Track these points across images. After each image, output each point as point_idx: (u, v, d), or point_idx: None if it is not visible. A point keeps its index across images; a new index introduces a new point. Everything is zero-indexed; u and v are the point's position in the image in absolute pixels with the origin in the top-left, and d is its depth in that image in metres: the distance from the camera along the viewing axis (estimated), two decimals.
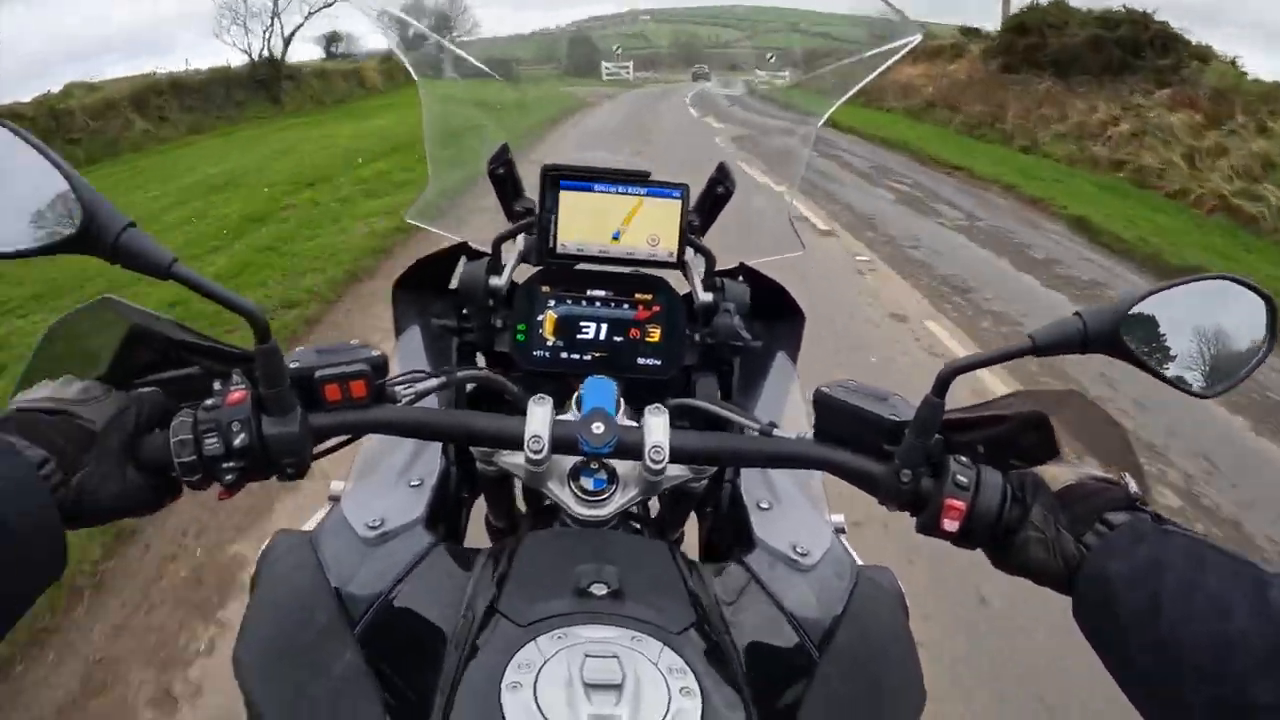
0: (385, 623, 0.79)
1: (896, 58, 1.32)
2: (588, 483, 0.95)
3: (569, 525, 0.97)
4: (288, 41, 26.96)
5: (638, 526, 1.08)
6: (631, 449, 0.84)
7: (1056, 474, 0.78)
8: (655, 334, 1.22)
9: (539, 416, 0.83)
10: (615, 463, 0.95)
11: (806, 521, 1.03)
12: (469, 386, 1.17)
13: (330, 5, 28.19)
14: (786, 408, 1.25)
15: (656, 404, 0.87)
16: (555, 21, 1.68)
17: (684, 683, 0.61)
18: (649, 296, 1.22)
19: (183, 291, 0.75)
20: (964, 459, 0.79)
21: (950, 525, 0.77)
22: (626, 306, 1.21)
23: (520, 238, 1.28)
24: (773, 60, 1.71)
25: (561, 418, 0.87)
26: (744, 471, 1.12)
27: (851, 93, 1.40)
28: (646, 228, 1.16)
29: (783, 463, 0.97)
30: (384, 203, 8.95)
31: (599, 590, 0.71)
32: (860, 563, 0.97)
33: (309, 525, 1.00)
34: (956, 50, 21.52)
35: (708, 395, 1.24)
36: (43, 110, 16.37)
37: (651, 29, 1.74)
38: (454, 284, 1.29)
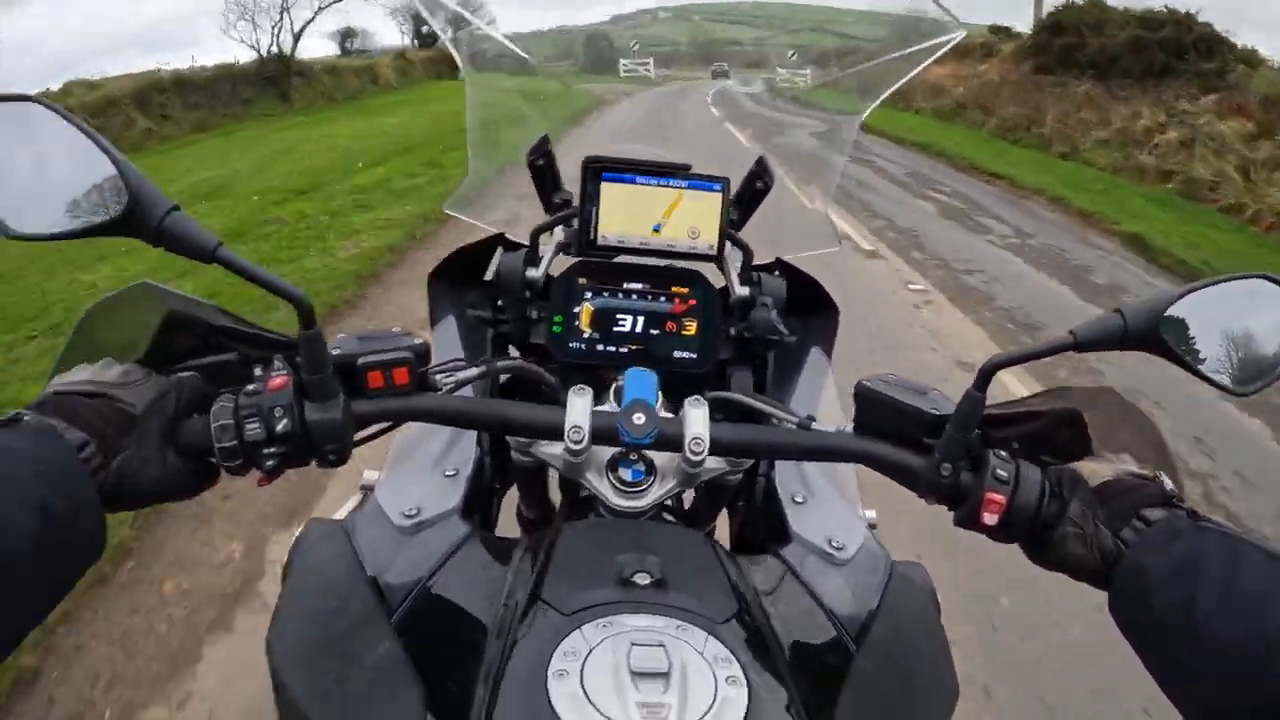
0: (422, 611, 0.78)
1: (937, 55, 1.30)
2: (626, 474, 0.94)
3: (604, 516, 0.97)
4: (297, 37, 26.39)
5: (671, 519, 1.09)
6: (671, 441, 0.84)
7: (1094, 470, 0.77)
8: (691, 327, 1.23)
9: (579, 407, 0.83)
10: (653, 454, 0.95)
11: (840, 516, 1.02)
12: (502, 377, 1.13)
13: (340, 0, 27.64)
14: (821, 402, 1.23)
15: (696, 396, 0.86)
16: (591, 18, 1.68)
17: (729, 671, 0.60)
18: (685, 290, 1.22)
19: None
20: (1003, 454, 0.79)
21: (990, 519, 0.76)
22: (663, 299, 1.22)
23: (558, 230, 1.28)
24: (794, 58, 1.67)
25: (599, 409, 0.86)
26: (778, 465, 1.11)
27: (888, 93, 1.38)
28: (687, 220, 1.17)
29: (822, 456, 0.91)
30: (375, 217, 8.36)
31: (642, 580, 0.70)
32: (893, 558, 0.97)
33: (340, 514, 1.02)
34: (986, 50, 20.68)
35: (743, 389, 1.22)
36: None
37: (671, 27, 1.74)
38: (489, 275, 1.31)
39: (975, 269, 7.22)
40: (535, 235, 1.26)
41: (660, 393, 0.97)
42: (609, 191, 1.17)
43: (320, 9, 27.21)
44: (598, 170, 1.16)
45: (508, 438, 1.05)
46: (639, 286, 1.23)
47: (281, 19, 25.72)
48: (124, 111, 17.24)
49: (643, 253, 1.20)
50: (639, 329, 1.22)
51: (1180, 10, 15.84)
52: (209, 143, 16.74)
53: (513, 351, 1.31)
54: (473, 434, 1.13)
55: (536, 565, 0.76)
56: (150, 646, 2.60)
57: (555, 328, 1.22)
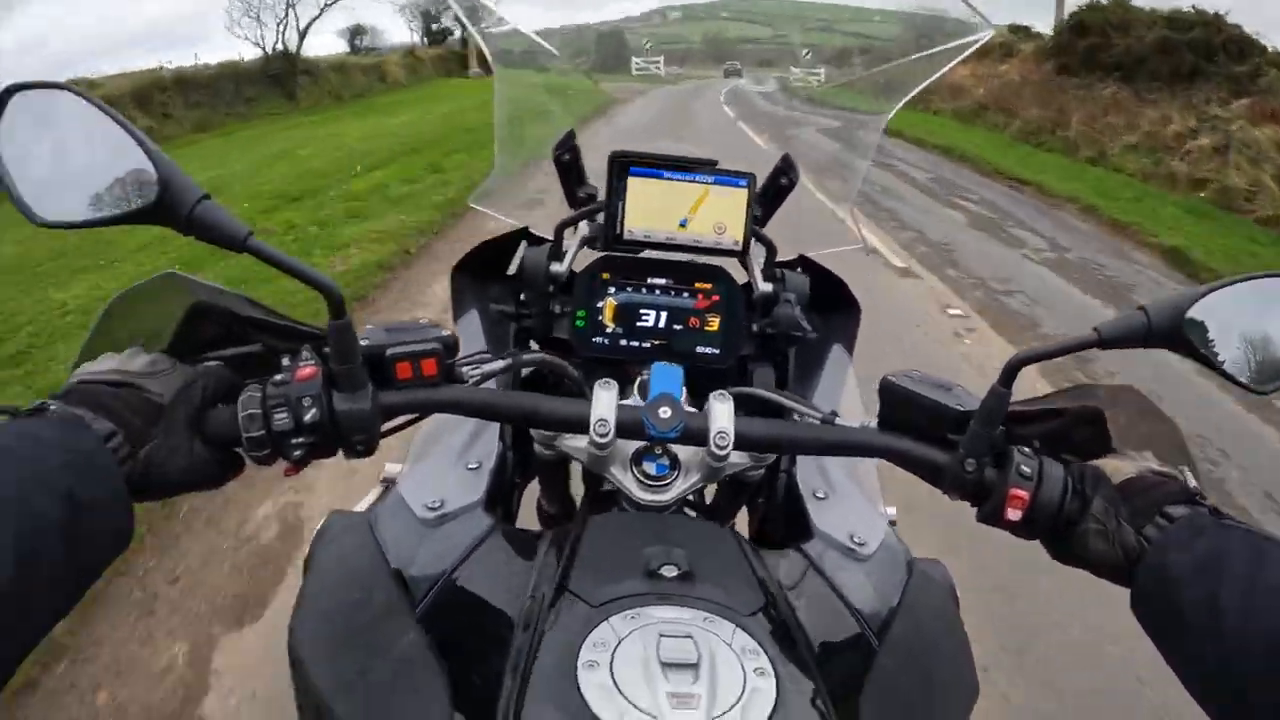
0: (446, 604, 0.79)
1: (964, 56, 1.28)
2: (650, 468, 0.95)
3: (627, 510, 0.97)
4: (303, 34, 26.03)
5: (692, 514, 1.08)
6: (696, 435, 0.83)
7: (1117, 467, 0.78)
8: (714, 323, 1.22)
9: (605, 401, 0.83)
10: (677, 449, 0.95)
11: (861, 512, 1.02)
12: (524, 372, 1.14)
13: None
14: (843, 399, 1.23)
15: (721, 390, 0.86)
16: (604, 15, 1.67)
17: (757, 663, 0.61)
18: (709, 285, 1.22)
19: None
20: (1026, 450, 0.79)
21: (1013, 515, 0.77)
22: (686, 295, 1.22)
23: (582, 224, 1.27)
24: (808, 56, 1.66)
25: (624, 403, 0.86)
26: (799, 461, 1.11)
27: (912, 95, 1.38)
28: (713, 216, 1.16)
29: (847, 451, 0.91)
30: (367, 229, 7.86)
31: (669, 572, 0.71)
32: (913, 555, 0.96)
33: (360, 506, 1.02)
34: (1006, 50, 20.05)
35: (765, 385, 1.21)
36: None
37: (684, 24, 1.75)
38: (512, 269, 1.32)
39: (1015, 288, 6.69)
40: (560, 229, 1.27)
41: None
42: (635, 186, 1.15)
43: (326, 5, 26.78)
44: (624, 165, 1.14)
45: (531, 431, 1.05)
46: (662, 282, 1.22)
47: (287, 16, 25.33)
48: (124, 110, 16.58)
49: (668, 248, 1.18)
50: (662, 324, 1.22)
51: (1208, 11, 15.32)
52: (209, 143, 16.32)
53: (533, 346, 1.30)
54: (495, 427, 1.11)
55: (563, 558, 0.77)
56: None
57: (578, 322, 1.22)
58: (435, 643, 0.72)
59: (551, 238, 1.27)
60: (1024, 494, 0.76)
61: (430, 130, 15.49)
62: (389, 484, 1.10)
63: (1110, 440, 0.83)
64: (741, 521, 1.32)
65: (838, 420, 0.90)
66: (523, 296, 1.27)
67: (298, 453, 0.74)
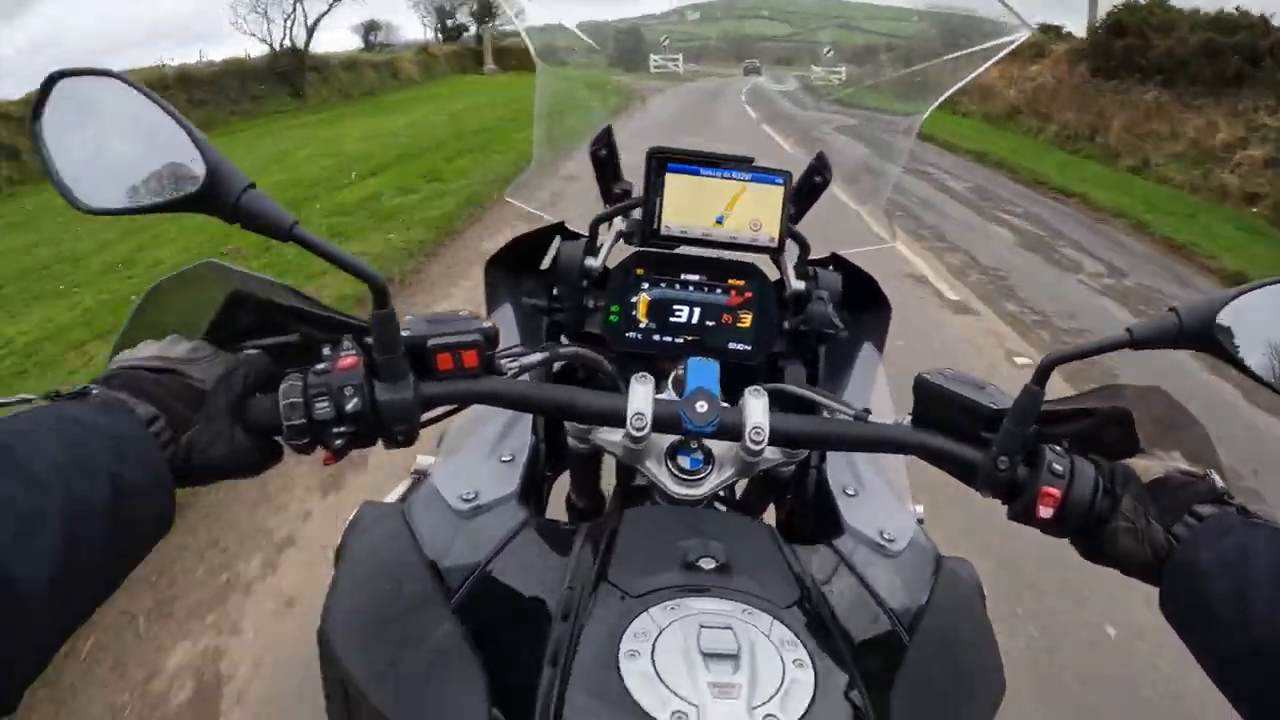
0: (482, 594, 0.79)
1: (999, 57, 1.26)
2: (685, 462, 0.95)
3: (659, 504, 0.98)
4: (311, 30, 25.28)
5: (723, 509, 1.08)
6: (732, 430, 0.84)
7: (1146, 466, 0.78)
8: (746, 319, 1.23)
9: (641, 395, 0.83)
10: (711, 444, 0.96)
11: (891, 509, 1.01)
12: (555, 365, 1.13)
13: None
14: (873, 396, 1.21)
15: (755, 386, 0.86)
16: (622, 12, 1.64)
17: (796, 655, 0.61)
18: (741, 282, 1.22)
19: None
20: (1058, 448, 0.80)
21: (1045, 513, 0.77)
22: (719, 291, 1.22)
23: (616, 219, 1.27)
24: (829, 54, 1.63)
25: (660, 397, 0.86)
26: (829, 458, 1.10)
27: (944, 97, 1.35)
28: (749, 213, 1.16)
29: (880, 447, 0.92)
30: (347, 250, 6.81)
31: (707, 564, 0.71)
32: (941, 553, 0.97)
33: (391, 498, 1.07)
34: (1037, 50, 19.20)
35: (796, 382, 1.20)
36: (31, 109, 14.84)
37: (705, 21, 1.72)
38: (545, 264, 1.32)
39: (1082, 326, 5.85)
40: (595, 225, 1.27)
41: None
42: (673, 182, 1.15)
43: (334, 0, 26.09)
44: (662, 161, 1.14)
45: (565, 424, 1.04)
46: (696, 278, 1.23)
47: (294, 11, 24.63)
48: None
49: (705, 244, 1.18)
50: (695, 320, 1.23)
51: (1253, 13, 14.53)
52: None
53: (563, 340, 1.29)
54: (528, 420, 1.10)
55: (600, 550, 0.76)
56: None
57: (612, 317, 1.23)
58: (470, 633, 0.72)
59: (586, 233, 1.27)
60: (1056, 492, 0.76)
61: (436, 131, 14.80)
62: (420, 476, 1.14)
63: (1138, 441, 0.82)
64: (768, 517, 1.27)
65: (870, 417, 0.89)
66: (556, 291, 1.27)
67: (338, 442, 0.73)
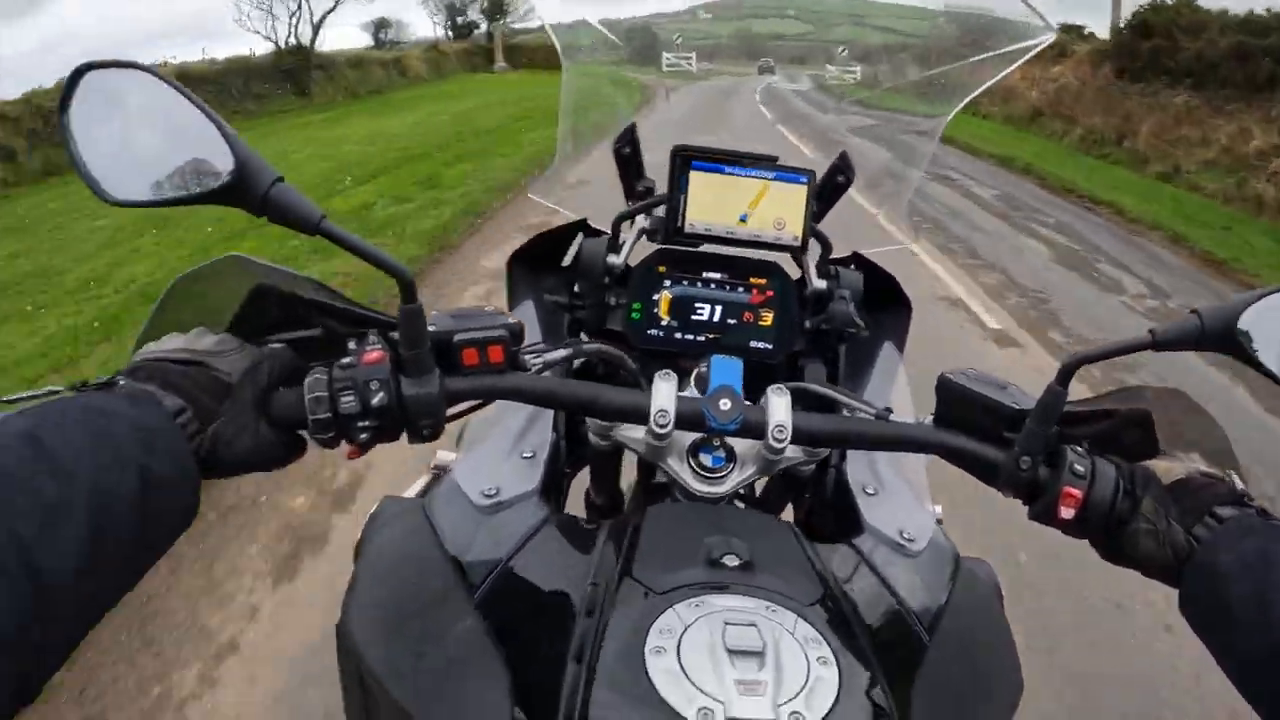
0: (504, 590, 0.79)
1: (1023, 60, 1.23)
2: (707, 459, 0.94)
3: (680, 501, 0.97)
4: (317, 28, 24.85)
5: (742, 506, 1.09)
6: (755, 428, 0.83)
7: (1167, 468, 0.78)
8: (768, 318, 1.22)
9: (665, 392, 0.83)
10: (733, 441, 0.95)
11: (910, 509, 1.00)
12: (576, 362, 1.11)
13: None
14: (893, 396, 1.20)
15: (778, 385, 0.86)
16: (636, 10, 1.65)
17: (820, 653, 0.61)
18: (763, 280, 1.22)
19: None
20: (1079, 449, 0.80)
21: (1066, 513, 0.77)
22: (741, 290, 1.22)
23: (639, 217, 1.28)
24: (844, 54, 1.64)
25: (683, 394, 0.86)
26: (849, 457, 1.10)
27: (966, 101, 1.33)
28: (773, 211, 1.15)
29: (902, 446, 0.91)
30: (328, 270, 6.07)
31: (730, 562, 0.71)
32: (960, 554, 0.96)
33: (409, 493, 1.08)
34: (1059, 50, 18.59)
35: (816, 381, 1.20)
36: (29, 110, 14.39)
37: (715, 20, 1.73)
38: (567, 261, 1.31)
39: (1136, 359, 5.41)
40: (618, 222, 1.26)
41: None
42: (697, 180, 1.14)
43: None
44: (687, 159, 1.13)
45: (587, 420, 1.02)
46: (718, 276, 1.22)
47: (300, 8, 24.14)
48: None
49: (729, 242, 1.17)
50: (716, 318, 1.22)
51: None
52: None
53: (583, 337, 1.28)
54: (549, 417, 1.10)
55: (624, 546, 0.76)
56: None
57: (634, 314, 1.22)
58: (493, 629, 0.72)
59: (608, 230, 1.27)
60: (1077, 493, 0.76)
61: (440, 131, 14.32)
62: (440, 471, 1.15)
63: (1157, 443, 0.82)
64: (786, 515, 1.18)
65: (892, 416, 0.89)
66: (577, 288, 1.26)
67: (363, 436, 0.72)
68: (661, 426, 0.82)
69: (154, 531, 0.60)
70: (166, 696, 2.42)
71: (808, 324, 1.25)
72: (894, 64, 1.62)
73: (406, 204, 8.58)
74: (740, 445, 0.95)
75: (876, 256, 1.32)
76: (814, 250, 1.25)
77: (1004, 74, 1.26)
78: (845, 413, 0.96)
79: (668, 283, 1.21)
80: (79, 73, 0.62)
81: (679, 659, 0.58)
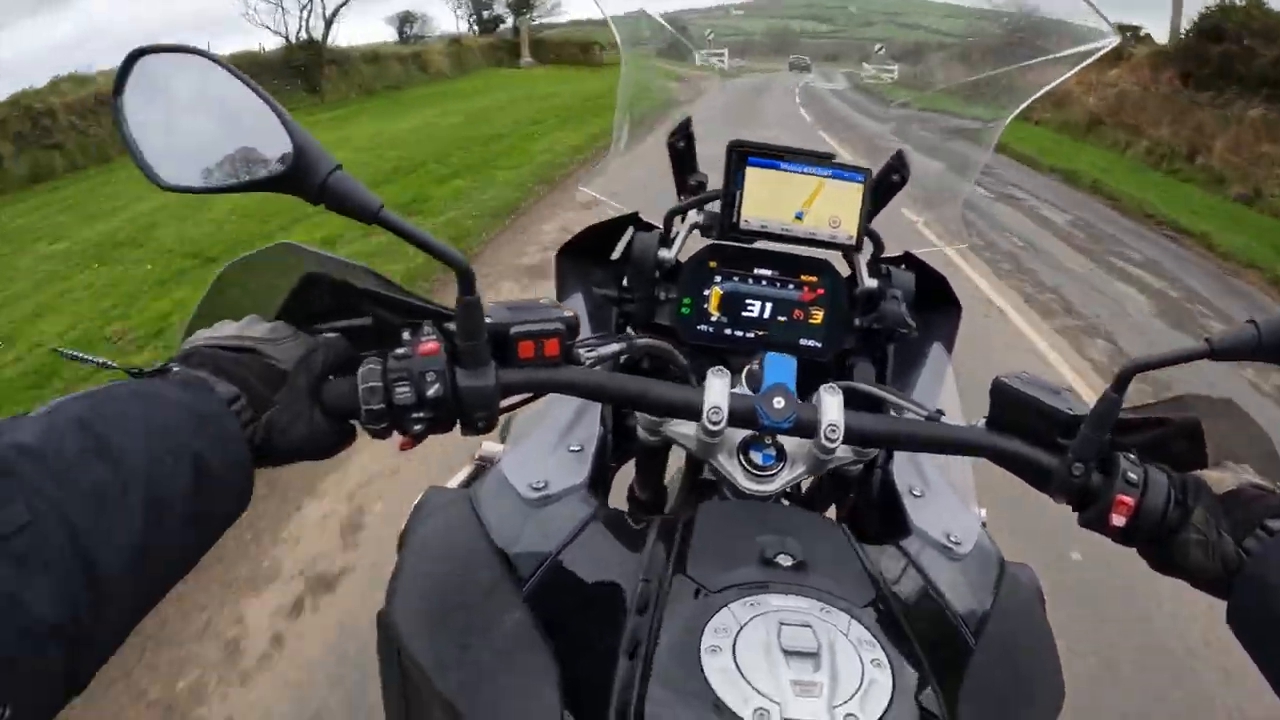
0: (553, 584, 0.77)
1: (1081, 67, 1.17)
2: (757, 457, 0.92)
3: (729, 499, 0.97)
4: (329, 21, 23.43)
5: (788, 505, 1.08)
6: (807, 427, 0.82)
7: (1219, 478, 0.76)
8: (818, 316, 1.21)
9: (718, 388, 0.82)
10: (783, 439, 0.94)
11: (956, 512, 0.97)
12: (623, 357, 0.99)
13: None
14: (941, 397, 1.17)
15: (830, 384, 0.85)
16: (704, 2, 1.65)
17: (874, 654, 0.60)
18: (814, 278, 1.21)
19: None
20: (1132, 456, 0.78)
21: (1118, 521, 0.76)
22: (791, 287, 1.20)
23: (690, 212, 1.27)
24: (880, 51, 1.61)
25: (735, 391, 0.84)
26: (896, 458, 1.07)
27: (1018, 111, 1.28)
28: (828, 209, 1.14)
29: (954, 449, 0.88)
30: None
31: (784, 561, 0.69)
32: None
33: (453, 483, 1.07)
34: (1114, 52, 17.14)
35: (865, 380, 1.17)
36: (16, 112, 13.27)
37: (746, 18, 1.71)
38: (616, 254, 1.29)
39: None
40: (670, 216, 1.26)
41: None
42: (753, 176, 1.13)
43: None
44: (743, 154, 1.12)
45: (637, 415, 1.02)
46: (769, 273, 1.20)
47: (310, 1, 22.80)
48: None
49: (783, 239, 1.16)
50: (766, 315, 1.21)
51: None
52: None
53: (630, 331, 1.26)
54: (597, 411, 1.06)
55: (675, 543, 0.75)
56: None
57: (684, 309, 1.21)
58: (541, 623, 0.71)
59: (659, 224, 1.26)
60: (1130, 500, 0.75)
61: (445, 136, 13.02)
62: (485, 463, 1.14)
63: (1206, 453, 0.81)
64: (830, 515, 1.23)
65: (943, 418, 0.88)
66: (626, 281, 1.25)
67: (418, 427, 0.71)
68: (714, 423, 0.80)
69: (206, 521, 0.59)
70: None
71: (857, 323, 1.22)
72: (935, 64, 1.53)
73: (380, 236, 6.94)
74: (790, 444, 0.93)
75: (928, 256, 1.28)
76: (865, 248, 1.21)
77: (1060, 80, 1.20)
78: (892, 413, 0.95)
79: (718, 278, 1.20)
80: (133, 57, 0.61)
81: (734, 658, 0.57)
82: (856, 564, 0.74)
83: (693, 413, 0.81)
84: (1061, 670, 0.80)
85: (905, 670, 0.60)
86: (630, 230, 1.27)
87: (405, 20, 38.88)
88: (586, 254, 1.30)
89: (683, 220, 1.26)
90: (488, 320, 0.73)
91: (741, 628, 0.60)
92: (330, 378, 0.72)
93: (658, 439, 1.00)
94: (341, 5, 24.02)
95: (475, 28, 40.73)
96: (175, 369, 0.64)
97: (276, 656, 2.45)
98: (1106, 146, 14.67)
